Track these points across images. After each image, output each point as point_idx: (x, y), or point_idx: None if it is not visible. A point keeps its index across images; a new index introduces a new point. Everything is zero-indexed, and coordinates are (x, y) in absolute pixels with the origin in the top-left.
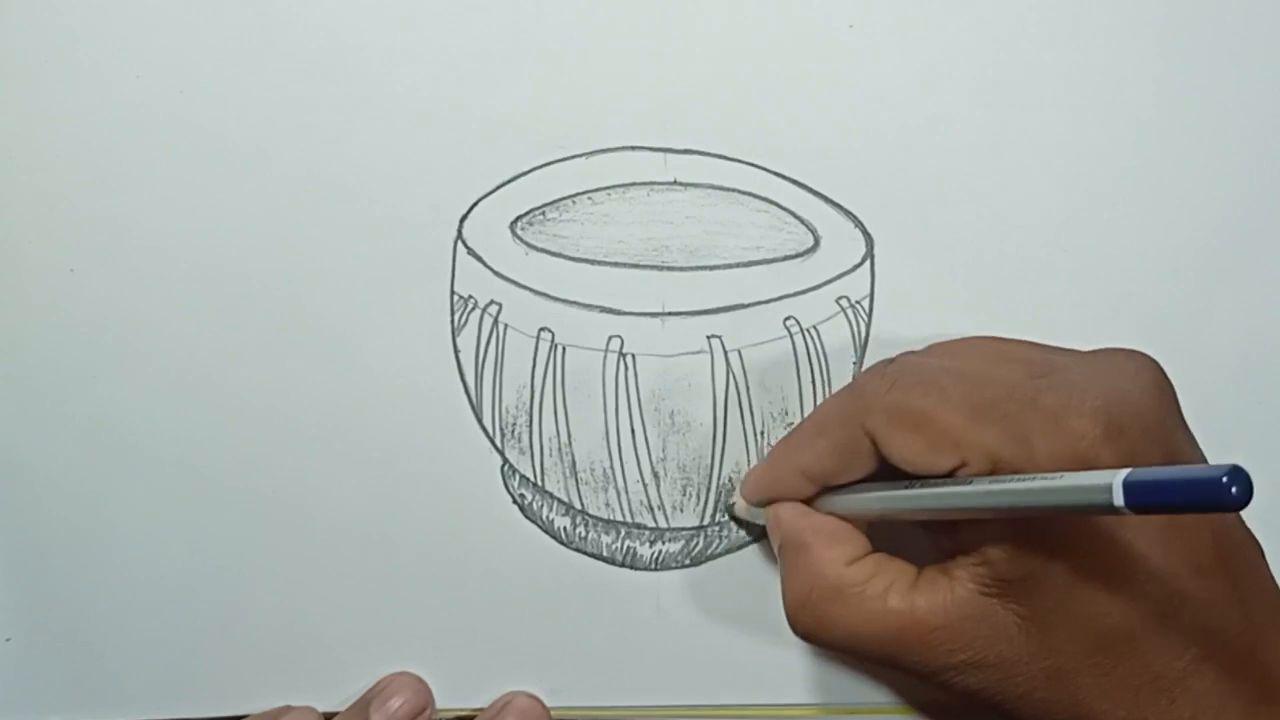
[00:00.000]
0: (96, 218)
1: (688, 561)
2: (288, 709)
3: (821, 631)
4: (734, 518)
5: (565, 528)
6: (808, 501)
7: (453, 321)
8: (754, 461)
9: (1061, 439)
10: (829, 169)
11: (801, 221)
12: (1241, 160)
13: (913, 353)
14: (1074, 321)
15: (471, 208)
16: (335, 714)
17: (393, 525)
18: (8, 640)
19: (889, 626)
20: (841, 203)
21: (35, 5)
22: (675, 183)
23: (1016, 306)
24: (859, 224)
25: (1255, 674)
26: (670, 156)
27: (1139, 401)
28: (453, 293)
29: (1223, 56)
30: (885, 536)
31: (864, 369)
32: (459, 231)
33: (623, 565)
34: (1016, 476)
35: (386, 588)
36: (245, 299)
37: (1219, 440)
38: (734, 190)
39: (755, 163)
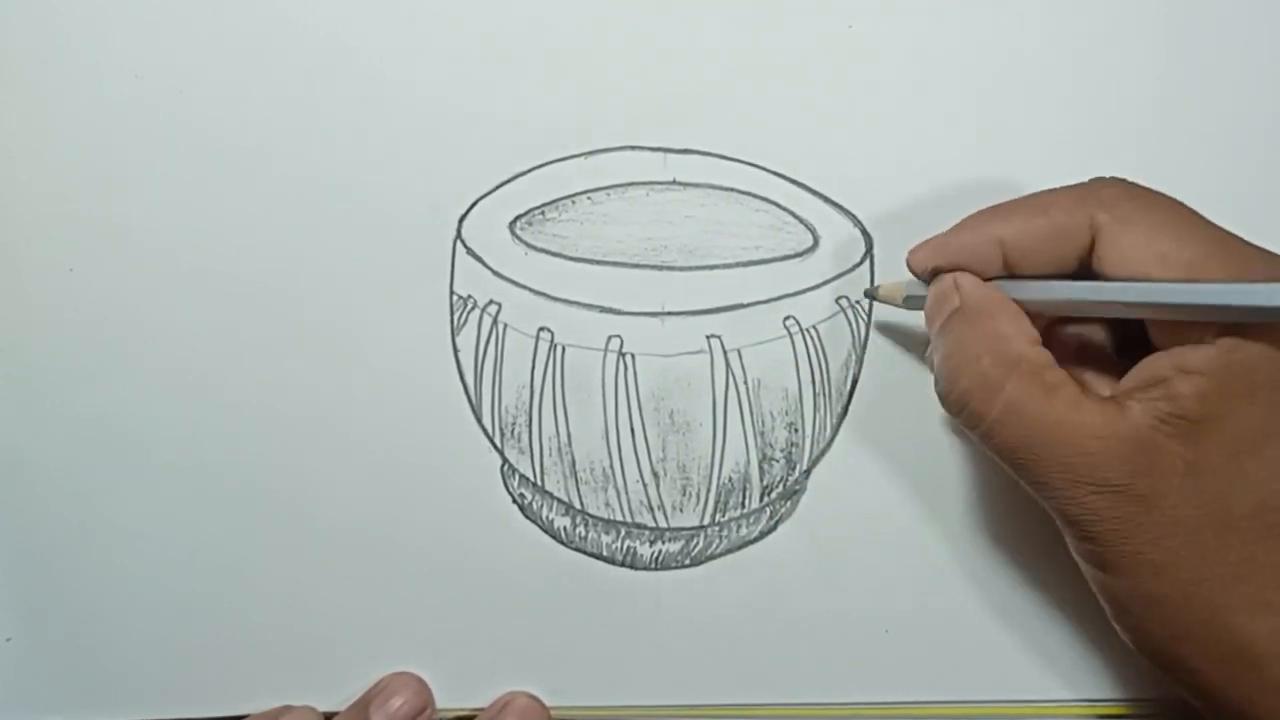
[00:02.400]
0: (96, 218)
1: (688, 561)
2: (288, 709)
3: (981, 397)
4: (872, 297)
5: (565, 528)
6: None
7: (452, 321)
8: (754, 461)
9: None
10: (829, 169)
11: (801, 221)
12: (1241, 160)
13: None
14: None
15: (471, 207)
16: (335, 714)
17: (393, 525)
18: (8, 640)
19: (1051, 416)
20: (841, 203)
21: (35, 5)
22: (674, 182)
23: None
24: (859, 224)
25: None
26: (669, 156)
27: None
28: (452, 292)
29: (1223, 56)
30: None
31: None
32: (458, 231)
33: (623, 565)
34: (1231, 282)
35: (386, 588)
36: (245, 299)
37: None
38: (733, 190)
39: (755, 163)
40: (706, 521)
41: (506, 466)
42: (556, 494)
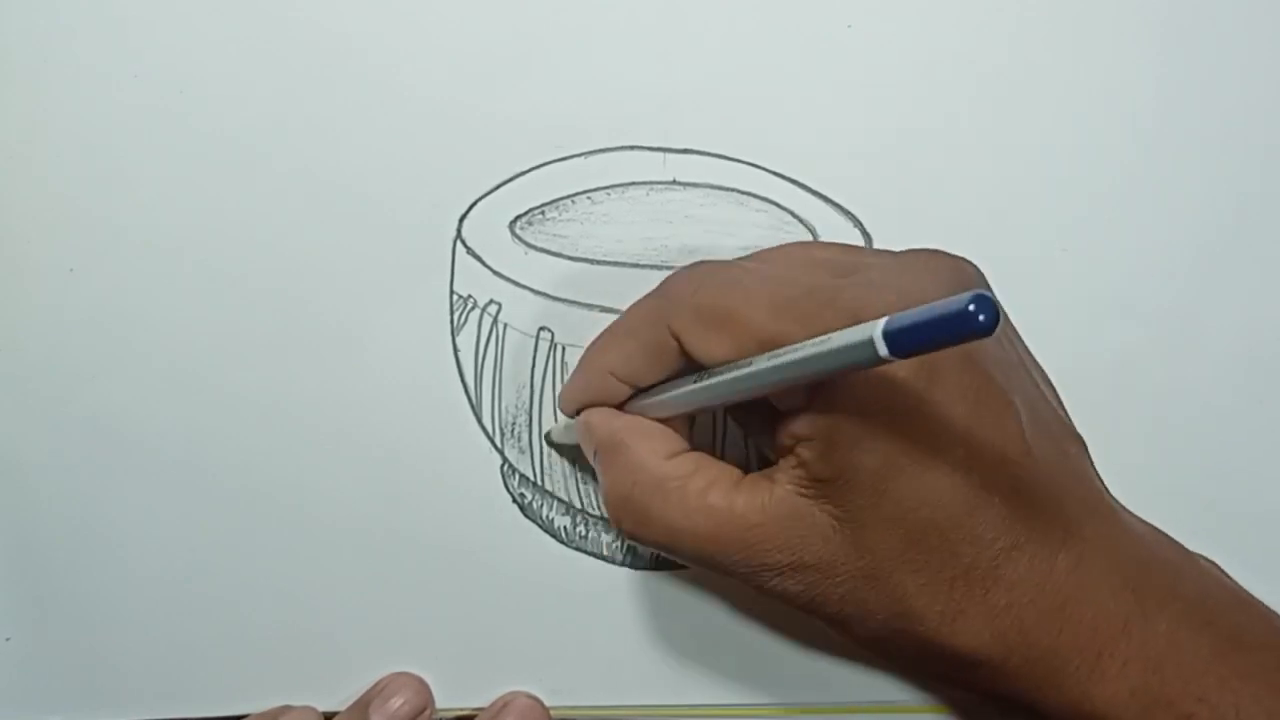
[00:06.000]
0: (96, 218)
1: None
2: (288, 709)
3: (643, 528)
4: (550, 444)
5: (565, 527)
6: (620, 408)
7: (452, 321)
8: (754, 461)
9: None
10: (828, 169)
11: (801, 221)
12: (1241, 160)
13: (720, 260)
14: (1074, 321)
15: (471, 207)
16: (335, 714)
17: (392, 525)
18: (8, 640)
19: (708, 523)
20: (841, 202)
21: (35, 5)
22: (674, 182)
23: (1016, 306)
24: (858, 224)
25: (1068, 561)
26: (669, 156)
27: (935, 297)
28: (452, 292)
29: (1223, 57)
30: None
31: (671, 273)
32: (458, 231)
33: (623, 565)
34: (790, 347)
35: (386, 588)
36: (245, 299)
37: (1220, 440)
38: (733, 190)
39: (754, 162)
40: None
41: (506, 466)
42: (556, 493)
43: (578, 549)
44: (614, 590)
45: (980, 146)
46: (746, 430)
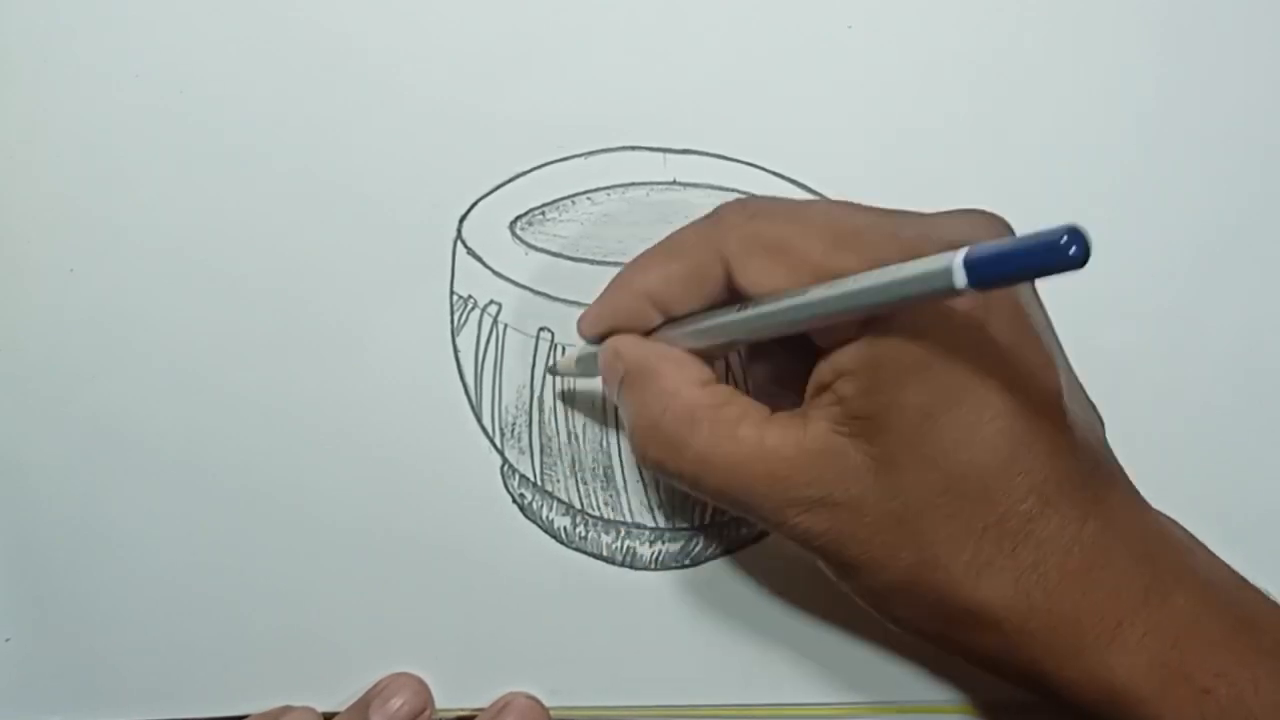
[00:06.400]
0: (96, 218)
1: (687, 561)
2: (288, 709)
3: (671, 458)
4: (552, 372)
5: (565, 527)
6: (647, 336)
7: (452, 321)
8: None
9: None
10: (829, 169)
11: None
12: (1241, 160)
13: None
14: (1074, 321)
15: (471, 208)
16: (335, 714)
17: (392, 525)
18: (8, 640)
19: (738, 454)
20: None
21: (35, 5)
22: (675, 182)
23: None
24: None
25: (1095, 527)
26: (670, 156)
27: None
28: (452, 292)
29: (1223, 56)
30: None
31: (724, 202)
32: (459, 231)
33: (623, 565)
34: (853, 276)
35: (386, 588)
36: (245, 299)
37: (1219, 440)
38: (734, 190)
39: (755, 163)
40: (706, 521)
41: (506, 466)
42: (557, 494)
43: (578, 549)
44: (614, 590)
45: (980, 146)
46: (756, 380)
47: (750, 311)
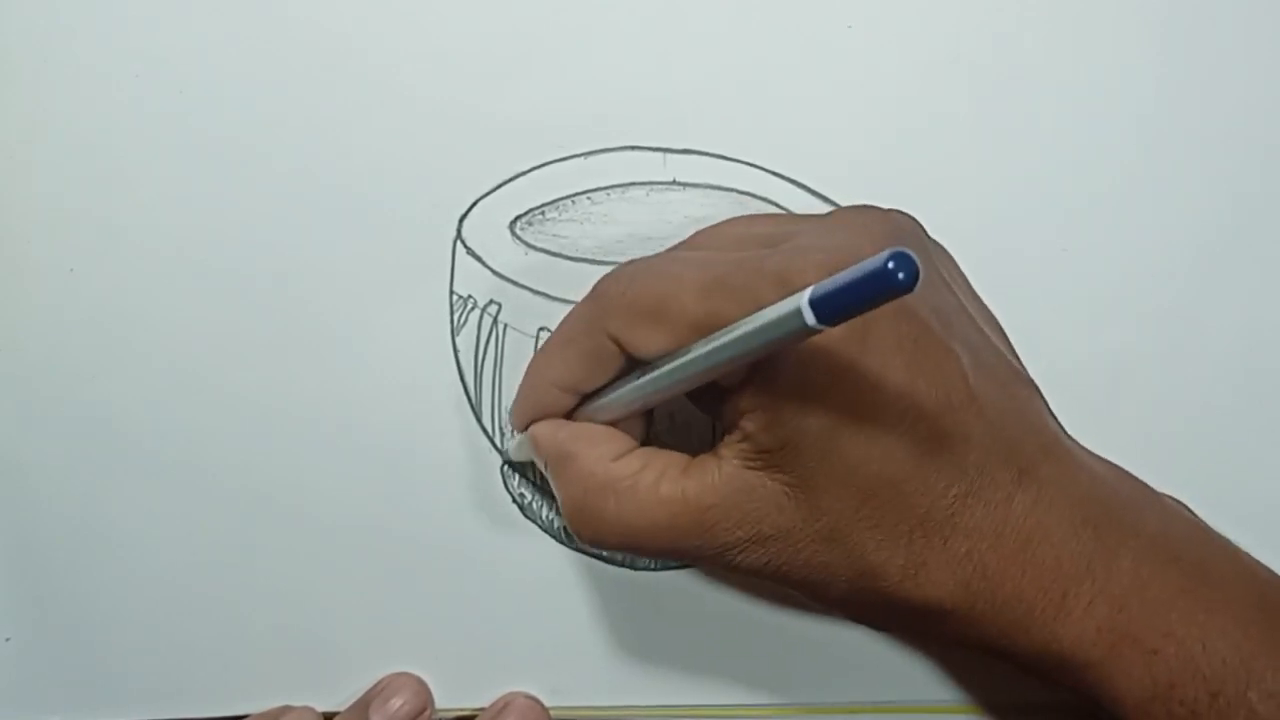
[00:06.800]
0: (96, 218)
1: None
2: (288, 709)
3: (601, 533)
4: (509, 464)
5: (565, 527)
6: (570, 416)
7: (452, 321)
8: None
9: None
10: (829, 169)
11: None
12: (1241, 160)
13: (650, 255)
14: (1074, 321)
15: (471, 207)
16: (335, 714)
17: (393, 525)
18: (8, 640)
19: (663, 514)
20: (841, 203)
21: (35, 5)
22: (675, 182)
23: (1016, 306)
24: None
25: (1025, 503)
26: (669, 156)
27: (867, 254)
28: (452, 292)
29: (1223, 56)
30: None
31: (602, 275)
32: (459, 231)
33: (623, 565)
34: (723, 330)
35: (386, 588)
36: (245, 299)
37: (1219, 440)
38: (734, 190)
39: (755, 163)
40: None
41: (506, 466)
42: None
43: (578, 549)
44: (614, 590)
45: (980, 146)
46: (707, 412)
47: (646, 378)
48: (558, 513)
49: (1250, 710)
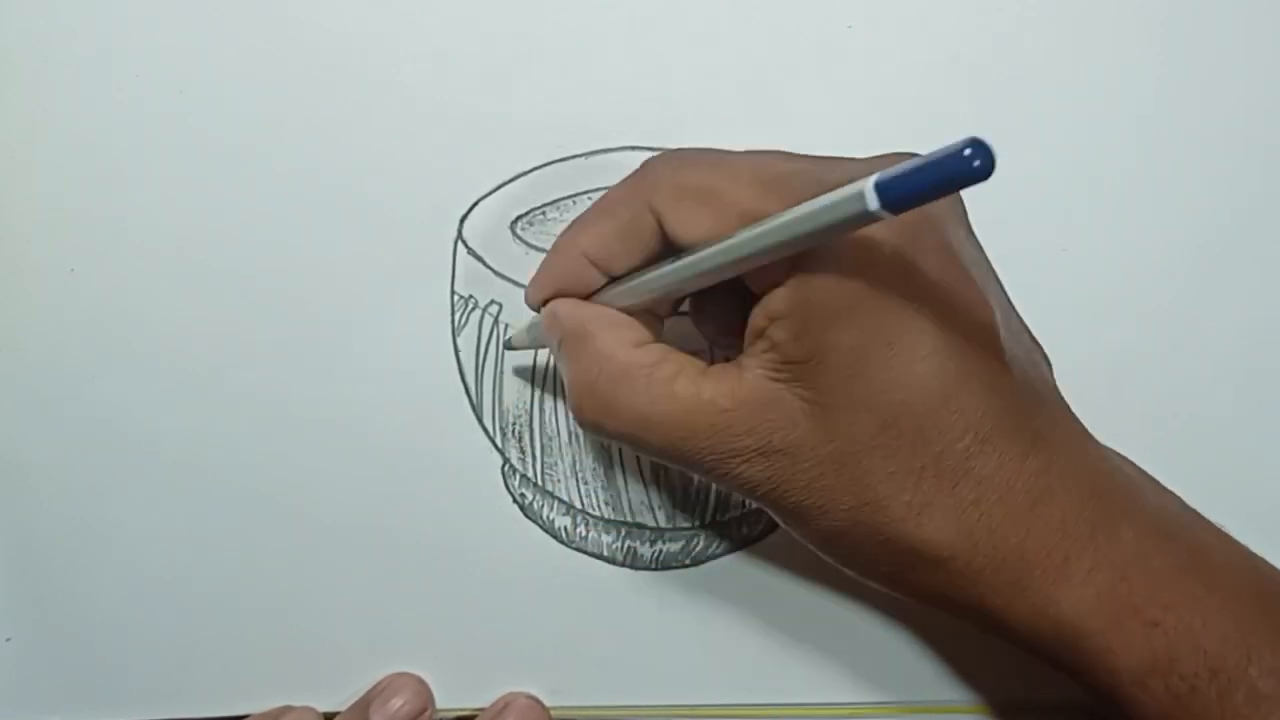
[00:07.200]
0: (96, 218)
1: (688, 561)
2: (288, 709)
3: (608, 418)
4: (508, 347)
5: (566, 527)
6: (589, 298)
7: (453, 321)
8: None
9: None
10: None
11: None
12: (1241, 160)
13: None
14: (1074, 321)
15: (471, 208)
16: (335, 714)
17: (393, 525)
18: (8, 640)
19: (676, 410)
20: None
21: (35, 5)
22: None
23: (1016, 306)
24: None
25: (1037, 464)
26: None
27: None
28: (453, 293)
29: (1223, 56)
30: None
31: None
32: (459, 231)
33: (623, 565)
34: (776, 214)
35: (387, 587)
36: (245, 299)
37: (1219, 440)
38: None
39: None
40: (707, 521)
41: (507, 466)
42: (557, 494)
43: (578, 549)
44: (614, 590)
45: None
46: (707, 335)
47: (682, 261)
48: (558, 513)
49: (1251, 686)
